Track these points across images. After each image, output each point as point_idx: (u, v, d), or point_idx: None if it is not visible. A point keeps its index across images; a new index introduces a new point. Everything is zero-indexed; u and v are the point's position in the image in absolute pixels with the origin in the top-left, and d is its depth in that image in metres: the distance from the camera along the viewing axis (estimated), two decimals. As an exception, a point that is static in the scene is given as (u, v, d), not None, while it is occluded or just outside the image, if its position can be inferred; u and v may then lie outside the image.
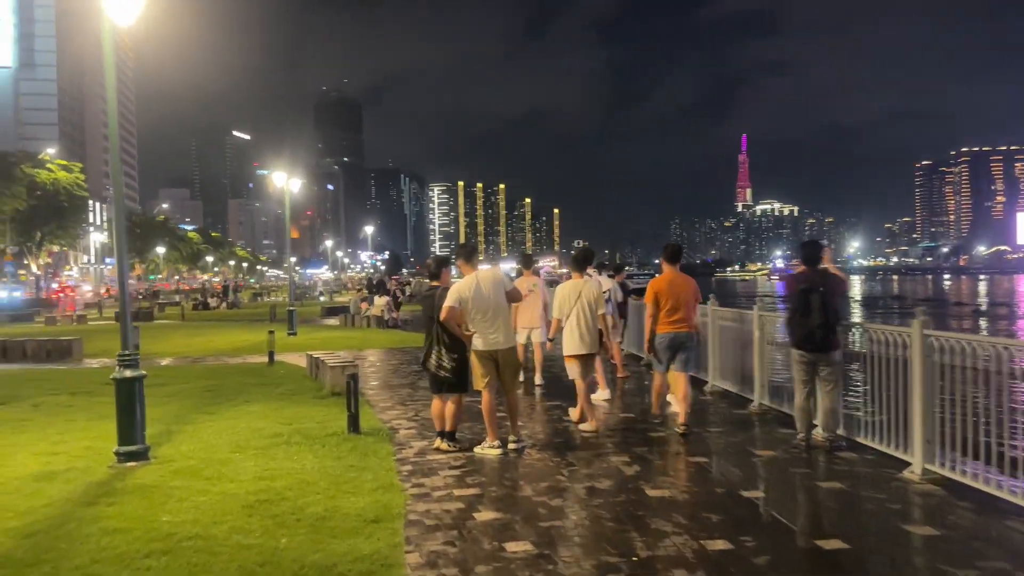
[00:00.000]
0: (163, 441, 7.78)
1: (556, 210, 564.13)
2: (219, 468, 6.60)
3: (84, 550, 4.62)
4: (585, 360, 8.28)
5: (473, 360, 7.14)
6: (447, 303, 6.89)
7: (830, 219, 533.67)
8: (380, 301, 28.26)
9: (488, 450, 7.06)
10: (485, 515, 5.30)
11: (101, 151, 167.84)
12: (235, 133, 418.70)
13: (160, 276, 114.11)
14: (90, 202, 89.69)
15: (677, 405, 8.00)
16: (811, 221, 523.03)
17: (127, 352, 6.94)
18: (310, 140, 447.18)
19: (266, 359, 15.38)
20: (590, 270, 9.04)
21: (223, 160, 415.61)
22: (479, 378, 7.13)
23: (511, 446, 7.16)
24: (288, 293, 31.39)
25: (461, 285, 7.07)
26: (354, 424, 8.01)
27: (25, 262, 65.24)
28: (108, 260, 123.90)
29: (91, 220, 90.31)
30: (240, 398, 10.62)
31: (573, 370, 8.31)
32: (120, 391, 6.87)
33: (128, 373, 6.89)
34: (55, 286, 73.72)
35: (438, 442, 7.31)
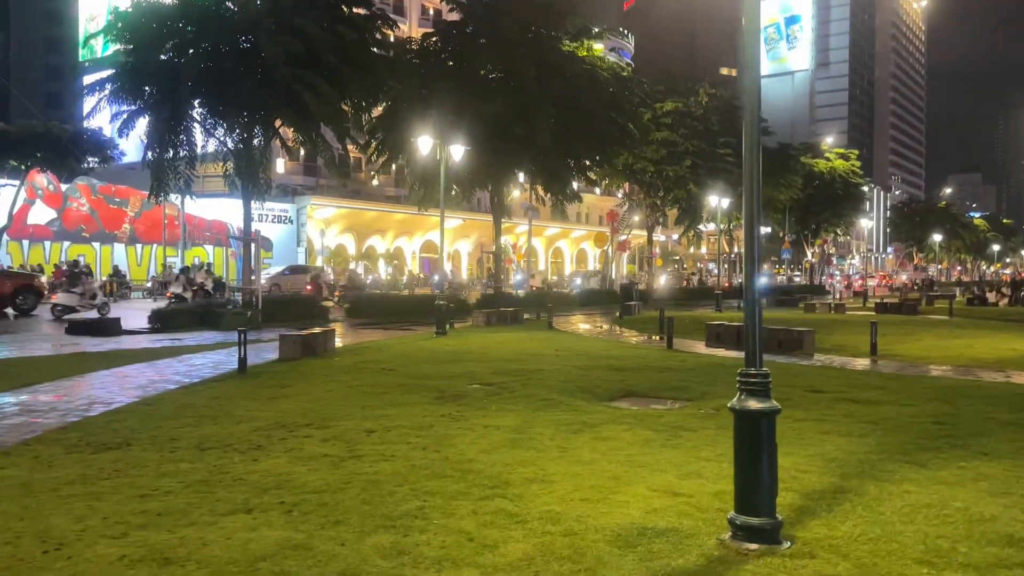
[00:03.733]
0: (820, 507, 5.20)
1: None
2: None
3: None
4: None
5: None
6: None
7: None
8: None
9: None
10: None
11: (887, 139, 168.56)
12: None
13: (940, 266, 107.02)
14: (869, 189, 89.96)
15: None
16: None
17: (753, 372, 4.60)
18: None
19: (1040, 383, 10.97)
20: None
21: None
22: None
23: None
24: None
25: None
26: None
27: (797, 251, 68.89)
28: (889, 249, 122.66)
29: (868, 208, 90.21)
30: (948, 443, 7.10)
31: None
32: (740, 429, 4.60)
33: (753, 404, 4.55)
34: (834, 273, 76.34)
35: None
